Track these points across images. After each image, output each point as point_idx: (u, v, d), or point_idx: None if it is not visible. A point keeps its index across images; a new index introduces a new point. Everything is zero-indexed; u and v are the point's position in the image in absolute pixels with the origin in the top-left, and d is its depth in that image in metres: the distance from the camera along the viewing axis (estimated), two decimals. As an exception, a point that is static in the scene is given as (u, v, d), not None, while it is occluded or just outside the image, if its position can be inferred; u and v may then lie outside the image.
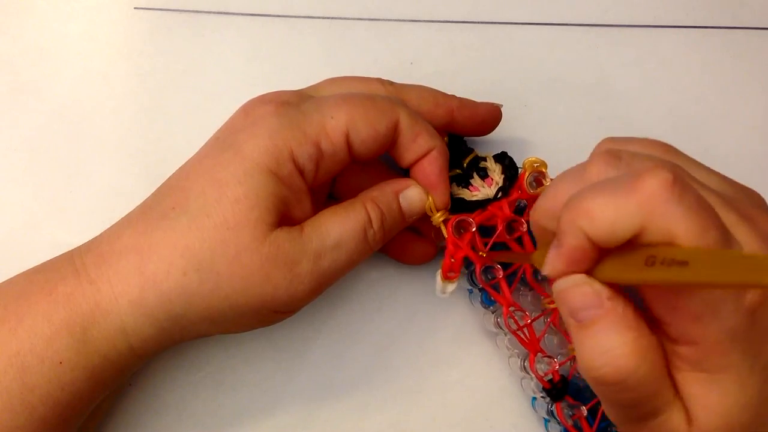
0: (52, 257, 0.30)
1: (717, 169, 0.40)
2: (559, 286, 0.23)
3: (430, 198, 0.32)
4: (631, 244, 0.23)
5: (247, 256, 0.28)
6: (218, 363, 0.36)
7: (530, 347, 0.33)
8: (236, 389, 0.36)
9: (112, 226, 0.30)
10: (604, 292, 0.23)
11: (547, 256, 0.24)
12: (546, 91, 0.40)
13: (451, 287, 0.33)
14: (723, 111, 0.40)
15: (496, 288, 0.34)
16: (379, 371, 0.36)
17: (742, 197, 0.25)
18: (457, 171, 0.34)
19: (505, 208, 0.33)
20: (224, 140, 0.30)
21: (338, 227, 0.30)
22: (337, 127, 0.29)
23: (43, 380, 0.27)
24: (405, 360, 0.36)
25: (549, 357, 0.33)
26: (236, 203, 0.28)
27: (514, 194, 0.33)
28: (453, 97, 0.33)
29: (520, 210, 0.34)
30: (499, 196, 0.33)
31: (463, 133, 0.34)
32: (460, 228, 0.33)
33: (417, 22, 0.40)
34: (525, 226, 0.33)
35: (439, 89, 0.34)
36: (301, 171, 0.29)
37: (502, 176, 0.33)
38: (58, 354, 0.27)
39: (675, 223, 0.21)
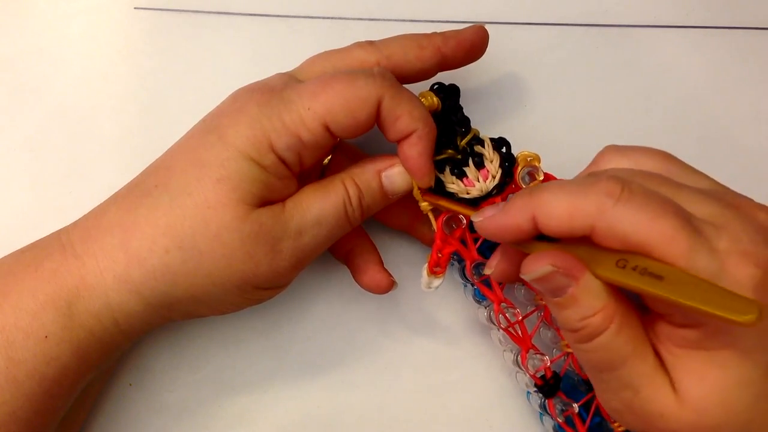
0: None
1: (717, 169, 0.41)
2: (536, 273, 0.25)
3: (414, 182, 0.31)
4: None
5: (228, 235, 0.28)
6: (218, 363, 0.36)
7: (522, 343, 0.33)
8: (236, 389, 0.36)
9: (100, 204, 0.31)
10: (575, 266, 0.24)
11: (484, 210, 0.27)
12: (546, 91, 0.40)
13: (437, 282, 0.33)
14: (723, 111, 0.40)
15: (488, 284, 0.33)
16: (379, 371, 0.36)
17: (731, 197, 0.26)
18: (451, 152, 0.33)
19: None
20: (209, 123, 0.30)
21: (318, 204, 0.30)
22: (315, 118, 0.29)
23: (29, 354, 0.27)
24: (405, 360, 0.36)
25: (541, 354, 0.33)
26: (217, 183, 0.28)
27: (508, 188, 0.33)
28: (435, 34, 0.32)
29: None
30: (494, 193, 0.32)
31: (457, 65, 0.33)
32: (451, 224, 0.32)
33: (417, 22, 0.40)
34: None
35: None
36: (282, 160, 0.29)
37: (499, 170, 0.32)
38: (44, 328, 0.28)
39: (623, 223, 0.23)
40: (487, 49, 0.34)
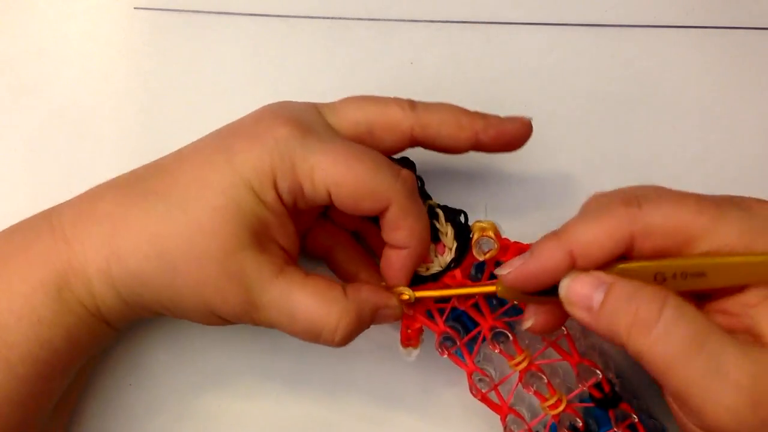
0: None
1: (717, 169, 0.41)
2: (562, 291, 0.27)
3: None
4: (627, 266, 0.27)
5: (208, 263, 0.28)
6: (218, 363, 0.36)
7: (499, 411, 0.33)
8: (236, 389, 0.36)
9: (98, 186, 0.31)
10: (602, 274, 0.26)
11: (509, 263, 0.28)
12: (546, 91, 0.40)
13: (414, 352, 0.33)
14: (723, 111, 0.40)
15: (459, 353, 0.33)
16: (380, 371, 0.36)
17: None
18: None
19: (458, 276, 0.32)
20: (224, 138, 0.30)
21: (303, 304, 0.29)
22: (323, 181, 0.28)
23: (22, 338, 0.28)
24: (406, 366, 0.36)
25: (521, 418, 0.33)
26: (214, 210, 0.28)
27: (469, 258, 0.32)
28: (477, 117, 0.31)
29: (480, 268, 0.33)
30: (452, 266, 0.32)
31: (489, 151, 0.32)
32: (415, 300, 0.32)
33: (417, 22, 0.40)
34: None
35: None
36: (281, 198, 0.29)
37: (455, 243, 0.31)
38: (36, 312, 0.28)
39: (656, 217, 0.26)
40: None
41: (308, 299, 0.29)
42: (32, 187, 0.37)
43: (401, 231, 0.29)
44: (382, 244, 0.34)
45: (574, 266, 0.27)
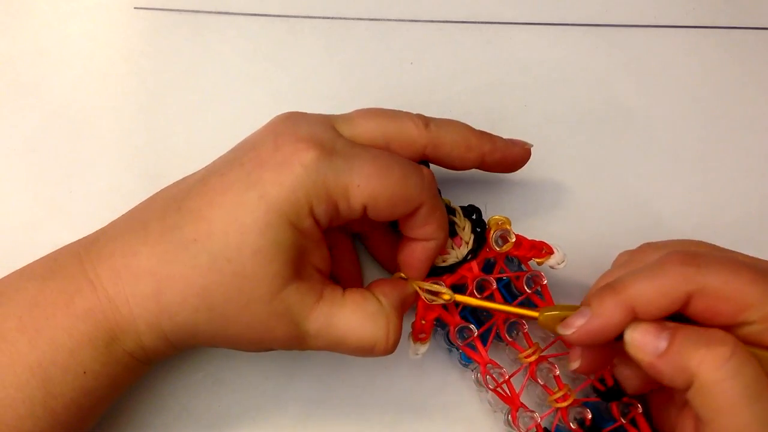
0: (54, 253, 0.30)
1: (717, 169, 0.41)
2: (628, 336, 0.28)
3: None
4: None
5: (257, 307, 0.28)
6: (218, 363, 0.36)
7: (511, 403, 0.33)
8: (236, 389, 0.36)
9: (122, 229, 0.30)
10: (664, 320, 0.27)
11: (570, 322, 0.29)
12: (546, 91, 0.40)
13: (423, 348, 0.33)
14: (723, 111, 0.40)
15: (473, 346, 0.34)
16: (379, 372, 0.36)
17: None
18: None
19: (475, 269, 0.33)
20: (250, 173, 0.29)
21: (349, 328, 0.30)
22: (359, 197, 0.29)
23: (67, 389, 0.28)
24: (404, 364, 0.36)
25: (531, 411, 0.33)
26: (256, 254, 0.28)
27: (482, 253, 0.33)
28: (485, 139, 0.33)
29: (489, 265, 0.34)
30: (468, 258, 0.33)
31: (489, 171, 0.34)
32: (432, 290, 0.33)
33: (417, 22, 0.40)
34: (494, 284, 0.33)
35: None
36: (317, 222, 0.29)
37: (472, 236, 0.33)
38: (82, 365, 0.28)
39: (713, 281, 0.26)
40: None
41: (351, 319, 0.30)
42: (32, 187, 0.37)
43: (431, 225, 0.31)
44: (382, 245, 0.35)
45: (634, 320, 0.28)
